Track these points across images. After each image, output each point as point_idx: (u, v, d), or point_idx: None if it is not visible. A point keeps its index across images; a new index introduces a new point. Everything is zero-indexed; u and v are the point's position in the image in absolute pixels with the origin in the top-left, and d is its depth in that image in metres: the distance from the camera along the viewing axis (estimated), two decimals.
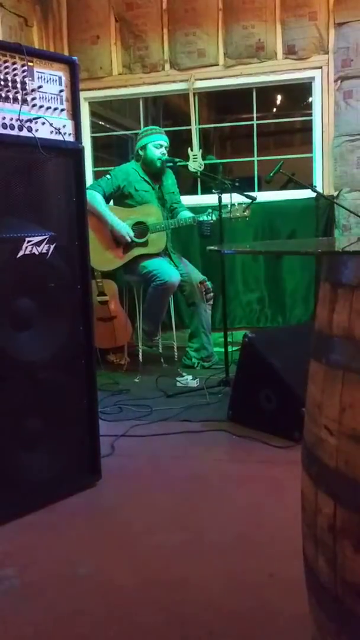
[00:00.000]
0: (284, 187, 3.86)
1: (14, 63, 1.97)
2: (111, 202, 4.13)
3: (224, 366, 3.58)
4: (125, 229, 3.91)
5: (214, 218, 3.78)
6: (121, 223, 3.92)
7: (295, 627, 1.43)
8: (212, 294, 4.02)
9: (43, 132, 2.06)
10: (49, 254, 2.10)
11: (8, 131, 1.96)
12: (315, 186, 4.08)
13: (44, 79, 2.06)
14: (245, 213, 3.75)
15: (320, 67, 4.50)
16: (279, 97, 7.11)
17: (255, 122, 4.85)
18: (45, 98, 2.07)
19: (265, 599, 1.57)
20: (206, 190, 4.76)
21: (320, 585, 1.08)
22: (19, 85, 1.98)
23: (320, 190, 4.31)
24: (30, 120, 2.02)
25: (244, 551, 1.82)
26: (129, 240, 3.91)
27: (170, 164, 4.05)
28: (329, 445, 1.04)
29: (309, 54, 4.47)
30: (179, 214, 4.13)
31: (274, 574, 1.67)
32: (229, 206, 3.69)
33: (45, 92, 2.07)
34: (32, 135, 2.02)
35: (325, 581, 1.06)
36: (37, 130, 2.04)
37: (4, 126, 1.95)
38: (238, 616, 1.51)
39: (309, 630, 1.20)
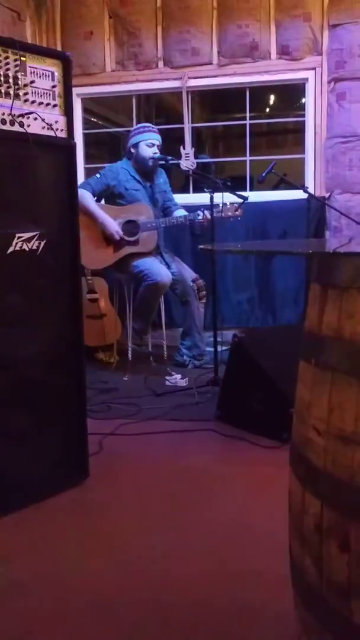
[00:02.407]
0: (275, 187, 3.86)
1: (6, 57, 1.95)
2: (102, 201, 4.10)
3: (213, 366, 3.58)
4: (114, 227, 3.89)
5: (205, 216, 3.78)
6: (111, 221, 3.90)
7: (281, 625, 1.44)
8: (204, 292, 4.02)
9: (35, 127, 2.04)
10: (40, 250, 2.09)
11: None
12: (307, 187, 4.09)
13: (37, 74, 2.05)
14: (237, 212, 3.75)
15: (314, 68, 4.51)
16: (272, 98, 7.12)
17: (248, 122, 4.85)
18: (38, 93, 2.06)
19: (251, 598, 1.57)
20: (198, 189, 4.76)
21: (306, 584, 1.09)
22: (11, 80, 1.97)
23: (312, 192, 4.33)
24: (22, 115, 2.00)
25: (231, 550, 1.82)
26: (118, 238, 3.90)
27: (162, 162, 4.03)
28: (317, 446, 1.04)
29: (303, 54, 4.49)
30: (172, 213, 4.12)
31: (260, 573, 1.68)
32: (221, 205, 3.69)
33: (38, 88, 2.05)
34: (23, 130, 2.00)
35: (311, 581, 1.07)
36: (28, 126, 2.02)
37: None
38: (224, 615, 1.51)
39: (294, 629, 1.20)
